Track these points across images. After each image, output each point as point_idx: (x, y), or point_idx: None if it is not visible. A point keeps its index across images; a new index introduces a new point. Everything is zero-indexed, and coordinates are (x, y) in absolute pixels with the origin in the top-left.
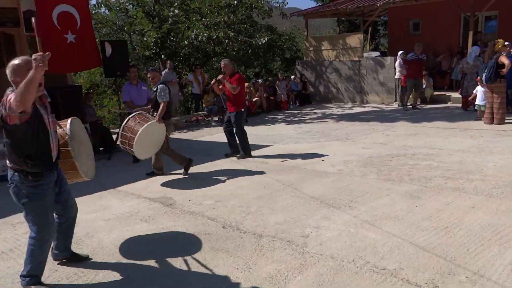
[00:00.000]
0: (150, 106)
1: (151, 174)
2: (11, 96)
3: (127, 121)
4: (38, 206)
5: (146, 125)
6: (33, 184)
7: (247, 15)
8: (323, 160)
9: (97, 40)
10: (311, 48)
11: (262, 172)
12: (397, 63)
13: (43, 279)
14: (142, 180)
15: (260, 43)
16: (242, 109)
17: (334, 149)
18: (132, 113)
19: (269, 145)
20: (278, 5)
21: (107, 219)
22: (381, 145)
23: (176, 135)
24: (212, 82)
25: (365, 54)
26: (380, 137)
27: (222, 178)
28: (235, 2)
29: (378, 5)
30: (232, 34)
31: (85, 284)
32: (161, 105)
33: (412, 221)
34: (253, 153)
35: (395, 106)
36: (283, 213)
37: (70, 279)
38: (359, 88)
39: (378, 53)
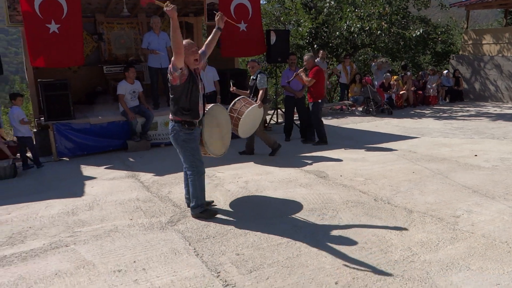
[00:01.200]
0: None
1: (272, 153)
2: (172, 59)
3: (234, 103)
4: (192, 147)
5: (250, 107)
6: (187, 132)
7: (403, 6)
8: (476, 155)
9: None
10: (469, 42)
11: (410, 160)
12: None
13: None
14: (296, 154)
15: (413, 35)
16: (319, 100)
17: (489, 146)
18: (237, 97)
19: (416, 137)
20: None
21: (271, 181)
22: None
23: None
24: (294, 75)
25: None
26: None
27: (370, 161)
28: None
29: None
30: (386, 25)
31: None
32: (261, 91)
33: None
34: (399, 144)
35: None
36: (433, 195)
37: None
38: None
39: None
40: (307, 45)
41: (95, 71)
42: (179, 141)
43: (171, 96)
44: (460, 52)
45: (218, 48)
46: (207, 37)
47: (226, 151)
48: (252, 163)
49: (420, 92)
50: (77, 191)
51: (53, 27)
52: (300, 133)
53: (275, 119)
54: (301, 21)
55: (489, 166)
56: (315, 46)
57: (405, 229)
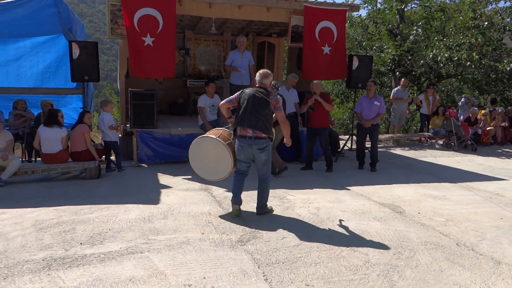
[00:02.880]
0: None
1: (278, 173)
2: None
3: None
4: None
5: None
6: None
7: (498, 38)
8: None
9: None
10: None
11: (497, 204)
12: None
13: None
14: (369, 185)
15: (508, 68)
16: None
17: None
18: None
19: (504, 179)
20: None
21: (344, 210)
22: None
23: (399, 151)
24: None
25: None
26: None
27: (452, 200)
28: (485, 23)
29: None
30: (476, 56)
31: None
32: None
33: None
34: (484, 184)
35: None
36: None
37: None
38: None
39: None
40: (388, 71)
41: (178, 84)
42: (269, 152)
43: (267, 118)
44: None
45: (300, 69)
46: (288, 58)
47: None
48: (323, 190)
49: (511, 129)
50: (154, 198)
51: (148, 40)
52: (370, 164)
53: (349, 145)
54: (385, 47)
55: None
56: (397, 73)
57: (492, 282)
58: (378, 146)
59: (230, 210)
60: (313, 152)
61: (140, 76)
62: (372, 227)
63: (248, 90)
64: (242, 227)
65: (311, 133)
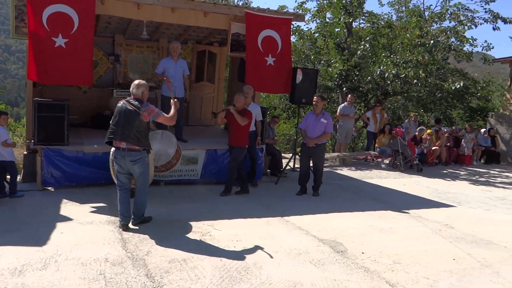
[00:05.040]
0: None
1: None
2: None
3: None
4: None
5: None
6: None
7: (443, 57)
8: None
9: None
10: None
11: (448, 239)
12: None
13: None
14: (309, 214)
15: (453, 88)
16: (246, 145)
17: None
18: None
19: (452, 206)
20: (481, 49)
21: (275, 251)
22: None
23: (345, 171)
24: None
25: None
26: None
27: (399, 234)
28: (431, 42)
29: None
30: (423, 74)
31: None
32: None
33: None
34: (433, 212)
35: None
36: None
37: None
38: None
39: None
40: (336, 87)
41: (106, 93)
42: (145, 165)
43: (140, 130)
44: (501, 111)
45: (242, 81)
46: (230, 68)
47: None
48: (256, 221)
49: (455, 149)
50: (42, 236)
51: (60, 41)
52: (312, 188)
53: (292, 165)
54: (332, 61)
55: None
56: (344, 89)
57: None
58: (324, 165)
59: (136, 252)
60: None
61: (42, 81)
62: (307, 276)
63: (121, 102)
64: (144, 279)
65: (230, 151)
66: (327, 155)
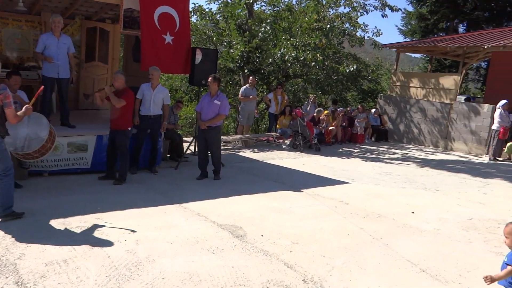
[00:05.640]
0: None
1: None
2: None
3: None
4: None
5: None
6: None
7: (339, 41)
8: (413, 213)
9: None
10: (397, 83)
11: (343, 215)
12: (497, 113)
13: None
14: (210, 200)
15: (347, 70)
16: (129, 128)
17: (423, 201)
18: None
19: (347, 182)
20: (371, 35)
21: (171, 241)
22: (480, 205)
23: (247, 153)
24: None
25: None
26: (476, 195)
27: (297, 214)
28: (328, 26)
29: (485, 47)
30: (321, 58)
31: None
32: None
33: None
34: (330, 190)
35: (485, 159)
36: (376, 276)
37: None
38: (445, 133)
39: (463, 98)
40: (237, 69)
41: None
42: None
43: None
44: (388, 93)
45: (138, 61)
46: (124, 48)
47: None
48: (153, 209)
49: (349, 128)
50: None
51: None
52: (213, 172)
53: (192, 149)
54: (234, 43)
55: (431, 229)
56: (246, 71)
57: None
58: (227, 148)
59: (6, 256)
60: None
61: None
62: (205, 266)
63: None
64: None
65: (110, 136)
66: (229, 138)
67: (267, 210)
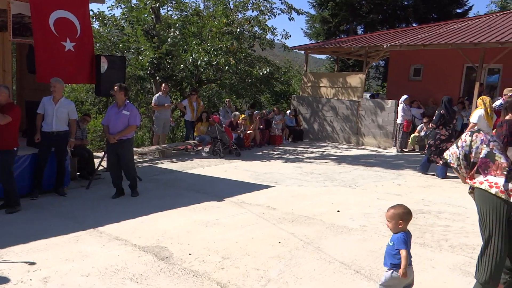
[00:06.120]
0: None
1: None
2: None
3: None
4: None
5: None
6: None
7: (250, 45)
8: (338, 211)
9: None
10: (308, 84)
11: (271, 222)
12: (400, 108)
13: None
14: (129, 220)
15: (261, 73)
16: (15, 148)
17: (346, 198)
18: None
19: (271, 186)
20: (280, 37)
21: (87, 274)
22: (397, 197)
23: (166, 164)
24: None
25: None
26: (392, 187)
27: (225, 225)
28: (238, 30)
29: (384, 46)
30: (233, 61)
31: None
32: None
33: None
34: (255, 196)
35: (393, 151)
36: (313, 284)
37: None
38: (356, 129)
39: (368, 95)
40: (148, 76)
41: None
42: None
43: None
44: (301, 93)
45: (33, 73)
46: (17, 59)
47: None
48: (60, 239)
49: (267, 131)
50: None
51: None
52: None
53: (105, 165)
54: (142, 49)
55: (357, 226)
56: (158, 78)
57: None
58: (143, 160)
59: None
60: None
61: None
62: None
63: None
64: None
65: None
66: (144, 149)
67: (193, 225)
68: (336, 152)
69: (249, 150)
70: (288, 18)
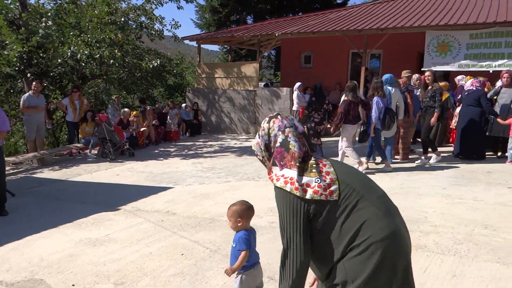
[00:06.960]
0: None
1: None
2: None
3: None
4: None
5: None
6: None
7: (137, 36)
8: None
9: None
10: (203, 75)
11: (172, 230)
12: (295, 95)
13: None
14: None
15: (151, 66)
16: None
17: (250, 192)
18: None
19: (170, 187)
20: (170, 27)
21: None
22: None
23: (46, 173)
24: None
25: None
26: None
27: (118, 241)
28: (122, 19)
29: (276, 34)
30: (119, 54)
31: None
32: None
33: None
34: (152, 200)
35: None
36: None
37: None
38: (254, 119)
39: (262, 84)
40: (18, 73)
41: None
42: None
43: None
44: (196, 85)
45: None
46: None
47: None
48: None
49: (162, 127)
50: None
51: None
52: None
53: None
54: (6, 42)
55: (265, 224)
56: (29, 75)
57: None
58: (19, 171)
59: None
60: None
61: None
62: None
63: None
64: None
65: None
66: (20, 158)
67: (78, 246)
68: (236, 144)
69: (144, 149)
70: (177, 7)
